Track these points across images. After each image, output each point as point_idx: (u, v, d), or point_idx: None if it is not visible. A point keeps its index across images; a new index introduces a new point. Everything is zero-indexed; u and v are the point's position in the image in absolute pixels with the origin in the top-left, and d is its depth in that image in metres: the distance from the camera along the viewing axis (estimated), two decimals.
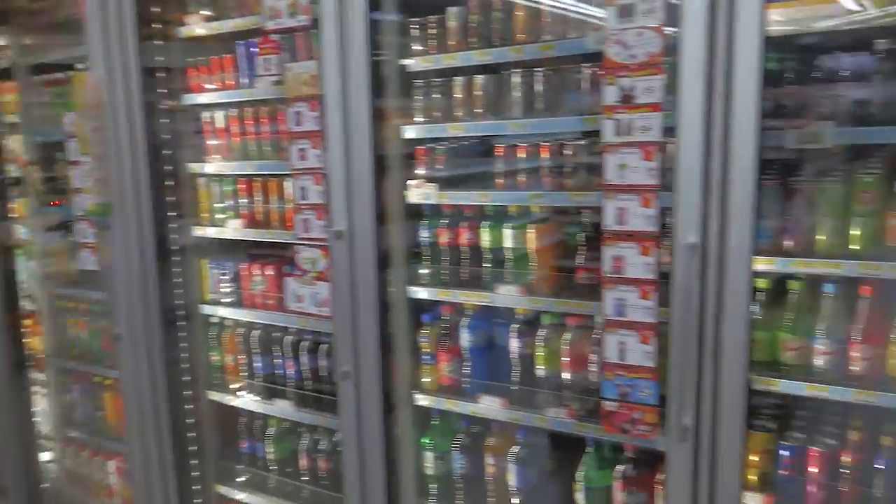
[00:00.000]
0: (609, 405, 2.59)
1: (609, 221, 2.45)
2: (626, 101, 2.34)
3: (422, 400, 3.24)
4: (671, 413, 2.46)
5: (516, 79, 2.82)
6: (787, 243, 2.50)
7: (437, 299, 3.14)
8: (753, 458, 2.65)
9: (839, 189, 2.39)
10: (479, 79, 2.90)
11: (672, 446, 2.50)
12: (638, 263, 2.42)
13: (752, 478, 2.64)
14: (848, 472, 2.52)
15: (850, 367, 2.47)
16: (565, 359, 2.91)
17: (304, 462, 3.71)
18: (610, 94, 2.37)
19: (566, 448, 3.11)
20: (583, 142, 2.77)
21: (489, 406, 3.06)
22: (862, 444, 2.52)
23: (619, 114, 2.36)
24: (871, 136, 2.28)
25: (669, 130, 2.32)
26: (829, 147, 2.36)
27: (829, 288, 2.46)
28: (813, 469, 2.57)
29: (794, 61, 2.45)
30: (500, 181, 2.96)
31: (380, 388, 3.10)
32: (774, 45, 2.24)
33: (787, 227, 2.48)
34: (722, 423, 2.44)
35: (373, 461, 3.17)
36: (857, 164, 2.45)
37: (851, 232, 2.39)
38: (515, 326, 3.04)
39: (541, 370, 3.00)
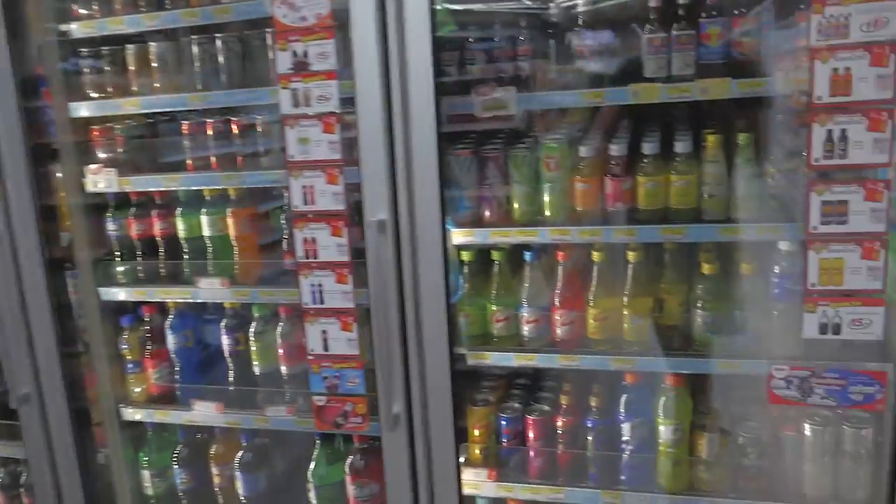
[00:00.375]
0: (318, 400, 2.39)
1: (297, 201, 2.23)
2: (301, 68, 2.12)
3: (130, 414, 2.87)
4: (381, 401, 2.30)
5: (196, 47, 2.50)
6: (487, 214, 2.42)
7: (136, 299, 2.77)
8: (476, 432, 2.59)
9: (529, 157, 2.34)
10: (154, 47, 2.54)
11: (386, 435, 2.36)
12: (330, 245, 2.23)
13: (476, 453, 2.58)
14: (563, 435, 2.53)
15: (555, 333, 2.46)
16: (281, 352, 2.68)
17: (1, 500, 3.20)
18: (283, 61, 2.13)
19: (300, 446, 2.90)
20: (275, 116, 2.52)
21: (204, 412, 2.76)
22: (573, 407, 2.53)
23: (296, 82, 2.13)
24: (550, 101, 2.24)
25: (351, 101, 2.13)
26: (516, 114, 2.31)
27: (528, 256, 2.42)
28: (531, 436, 2.55)
29: (474, 28, 2.36)
30: (189, 162, 2.63)
31: (70, 407, 2.69)
32: (451, 13, 2.12)
33: (485, 198, 2.41)
34: (432, 404, 2.33)
35: (72, 492, 2.76)
36: (546, 132, 2.42)
37: (544, 199, 2.35)
38: (225, 322, 2.75)
39: (257, 366, 2.75)
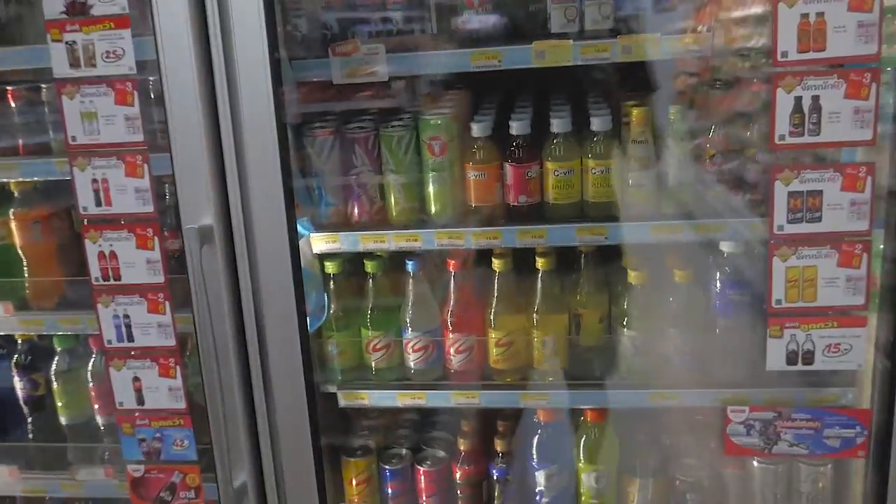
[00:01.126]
0: (135, 469, 1.78)
1: (85, 201, 1.60)
2: (78, 11, 1.49)
3: None
4: (218, 470, 1.71)
5: None
6: (356, 213, 1.86)
7: None
8: (355, 488, 2.05)
9: (407, 137, 1.79)
10: None
11: None
12: (137, 261, 1.62)
13: None
14: (463, 488, 2.02)
15: (448, 363, 1.94)
16: (93, 395, 2.04)
17: None
18: (53, 1, 1.50)
19: None
20: None
21: None
22: (474, 452, 2.02)
23: (72, 32, 1.50)
24: (430, 63, 1.69)
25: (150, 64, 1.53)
26: (393, 89, 1.77)
27: (410, 266, 1.88)
28: (423, 490, 2.03)
29: None
30: None
31: None
32: None
33: (352, 192, 1.85)
34: (289, 466, 1.76)
35: None
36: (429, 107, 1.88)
37: (428, 192, 1.82)
38: (17, 359, 2.08)
39: (64, 416, 2.10)
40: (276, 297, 1.63)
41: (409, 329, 1.90)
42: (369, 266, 1.89)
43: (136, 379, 1.69)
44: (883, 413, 1.51)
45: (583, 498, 1.94)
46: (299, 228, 1.72)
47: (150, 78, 1.55)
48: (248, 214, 1.57)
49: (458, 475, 2.01)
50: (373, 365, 1.95)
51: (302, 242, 1.78)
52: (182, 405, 1.70)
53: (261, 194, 1.56)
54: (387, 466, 2.04)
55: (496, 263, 1.85)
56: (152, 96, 1.66)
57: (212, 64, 1.50)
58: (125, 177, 1.57)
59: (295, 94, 1.75)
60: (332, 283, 1.92)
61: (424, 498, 2.04)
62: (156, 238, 1.59)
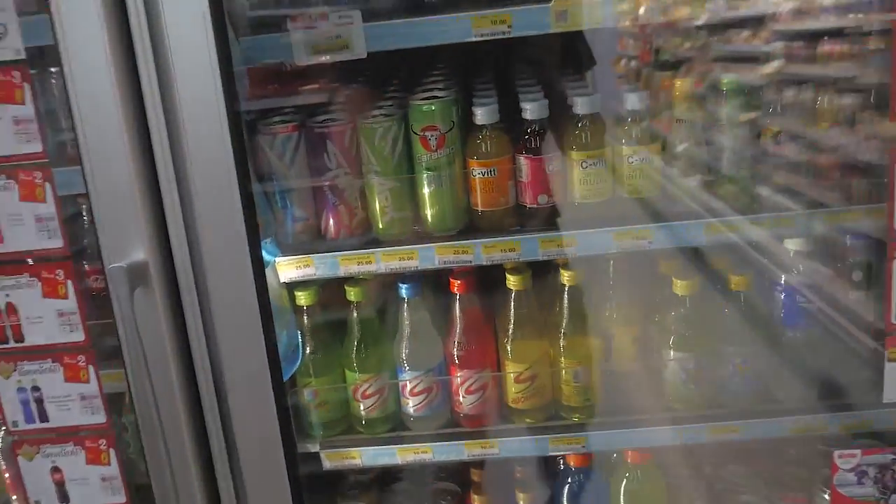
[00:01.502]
0: None
1: None
2: None
3: None
4: None
5: None
6: (332, 227, 1.47)
7: None
8: None
9: (394, 129, 1.41)
10: None
11: None
12: (46, 315, 1.19)
13: None
14: None
15: (457, 407, 1.57)
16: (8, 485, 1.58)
17: None
18: None
19: None
20: None
21: None
22: None
23: None
24: (421, 34, 1.30)
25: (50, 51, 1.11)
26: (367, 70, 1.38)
27: (405, 291, 1.50)
28: None
29: None
30: None
31: None
32: None
33: (327, 201, 1.45)
34: None
35: None
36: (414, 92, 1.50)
37: (423, 196, 1.44)
38: None
39: None
40: (238, 346, 1.24)
41: (407, 368, 1.53)
42: (353, 294, 1.50)
43: (55, 469, 1.27)
44: None
45: None
46: (264, 255, 1.32)
47: (52, 69, 1.13)
48: (194, 243, 1.17)
49: None
50: (363, 415, 1.57)
51: (265, 270, 1.38)
52: (121, 499, 1.29)
53: (211, 215, 1.16)
54: None
55: (512, 281, 1.48)
56: (56, 93, 1.24)
57: (132, 39, 1.09)
58: (20, 201, 1.14)
59: (245, 83, 1.35)
60: (306, 317, 1.53)
61: None
62: (69, 281, 1.17)
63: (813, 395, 1.50)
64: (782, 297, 1.49)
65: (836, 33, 1.62)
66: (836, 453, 1.22)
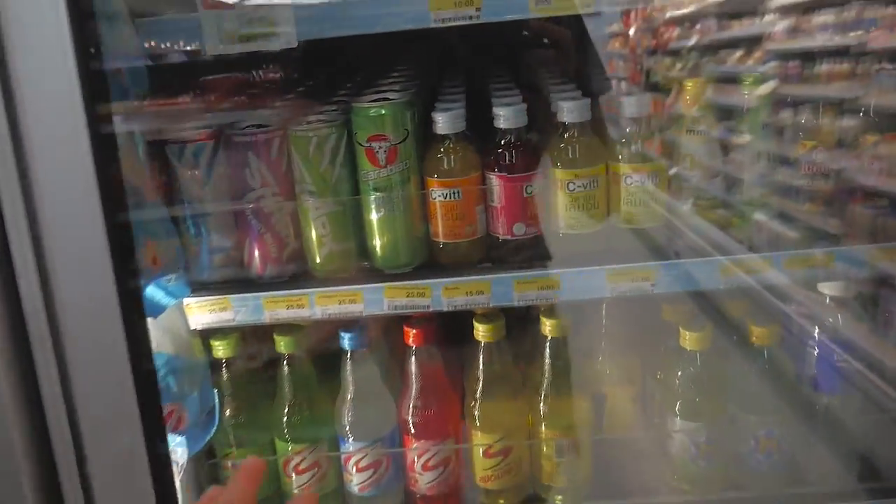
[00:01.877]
0: None
1: None
2: None
3: None
4: None
5: None
6: (256, 262, 1.18)
7: None
8: None
9: (334, 138, 1.12)
10: None
11: None
12: None
13: None
14: None
15: (412, 485, 1.26)
16: None
17: None
18: None
19: None
20: None
21: None
22: None
23: None
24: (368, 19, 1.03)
25: None
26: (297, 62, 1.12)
27: (347, 342, 1.20)
28: None
29: None
30: None
31: None
32: None
33: (253, 230, 1.16)
34: None
35: None
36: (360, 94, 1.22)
37: (371, 222, 1.14)
38: None
39: None
40: (105, 433, 0.93)
41: (350, 438, 1.23)
42: (283, 344, 1.21)
43: None
44: None
45: None
46: (160, 297, 1.03)
47: None
48: (45, 284, 0.87)
49: None
50: (297, 494, 1.26)
51: (169, 314, 1.09)
52: None
53: (69, 239, 0.86)
54: None
55: (482, 331, 1.19)
56: None
57: None
58: None
59: (145, 76, 1.06)
60: (224, 372, 1.23)
61: None
62: None
63: (852, 478, 1.21)
64: (815, 354, 1.21)
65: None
66: None
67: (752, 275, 1.12)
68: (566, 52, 1.48)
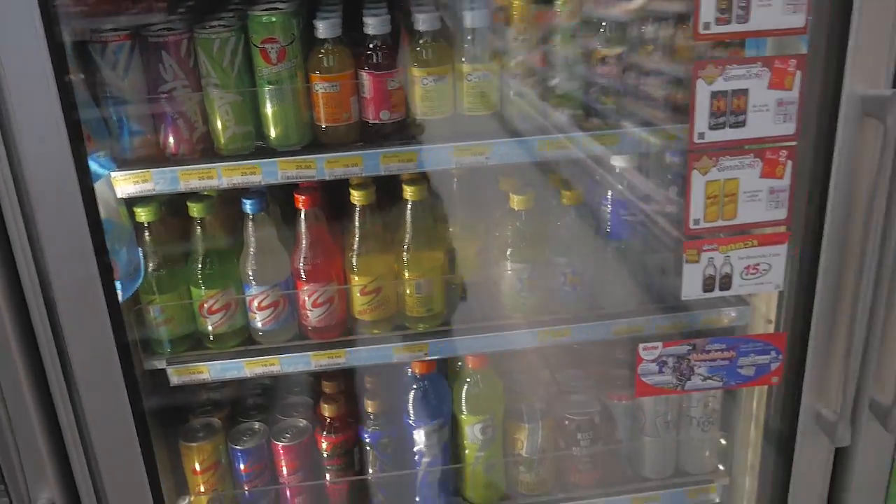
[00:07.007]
0: None
1: None
2: None
3: None
4: (10, 492, 1.29)
5: None
6: (171, 142, 1.45)
7: None
8: (200, 478, 1.70)
9: (233, 40, 1.38)
10: None
11: None
12: None
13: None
14: (331, 459, 1.74)
15: (305, 320, 1.61)
16: None
17: None
18: None
19: None
20: None
21: None
22: (341, 416, 1.73)
23: None
24: None
25: None
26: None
27: (249, 206, 1.50)
28: (285, 468, 1.73)
29: None
30: None
31: None
32: None
33: (168, 117, 1.42)
34: (107, 473, 1.37)
35: None
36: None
37: (266, 111, 1.43)
38: None
39: None
40: (65, 261, 1.21)
41: (253, 283, 1.55)
42: (195, 209, 1.49)
43: None
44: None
45: (467, 451, 1.73)
46: (93, 167, 1.29)
47: None
48: (10, 149, 1.12)
49: (324, 445, 1.72)
50: (210, 330, 1.58)
51: (100, 185, 1.35)
52: None
53: (29, 119, 1.11)
54: (237, 447, 1.70)
55: (356, 196, 1.52)
56: None
57: None
58: None
59: None
60: (147, 234, 1.50)
61: (286, 475, 1.73)
62: None
63: (633, 301, 1.65)
64: (609, 210, 1.61)
65: None
66: (641, 346, 1.36)
67: (562, 150, 1.49)
68: None
